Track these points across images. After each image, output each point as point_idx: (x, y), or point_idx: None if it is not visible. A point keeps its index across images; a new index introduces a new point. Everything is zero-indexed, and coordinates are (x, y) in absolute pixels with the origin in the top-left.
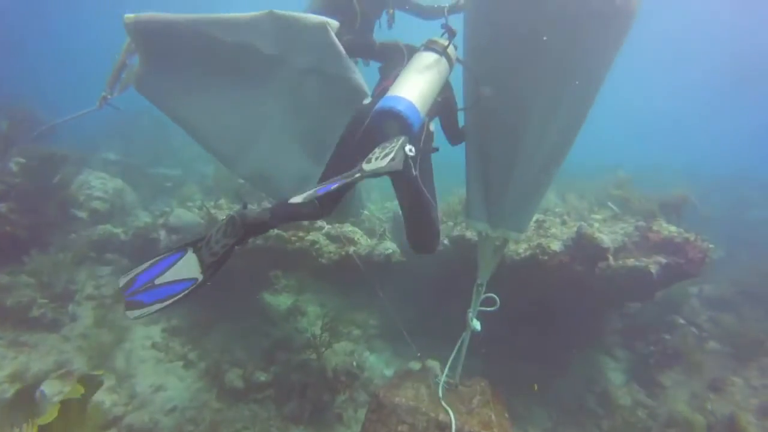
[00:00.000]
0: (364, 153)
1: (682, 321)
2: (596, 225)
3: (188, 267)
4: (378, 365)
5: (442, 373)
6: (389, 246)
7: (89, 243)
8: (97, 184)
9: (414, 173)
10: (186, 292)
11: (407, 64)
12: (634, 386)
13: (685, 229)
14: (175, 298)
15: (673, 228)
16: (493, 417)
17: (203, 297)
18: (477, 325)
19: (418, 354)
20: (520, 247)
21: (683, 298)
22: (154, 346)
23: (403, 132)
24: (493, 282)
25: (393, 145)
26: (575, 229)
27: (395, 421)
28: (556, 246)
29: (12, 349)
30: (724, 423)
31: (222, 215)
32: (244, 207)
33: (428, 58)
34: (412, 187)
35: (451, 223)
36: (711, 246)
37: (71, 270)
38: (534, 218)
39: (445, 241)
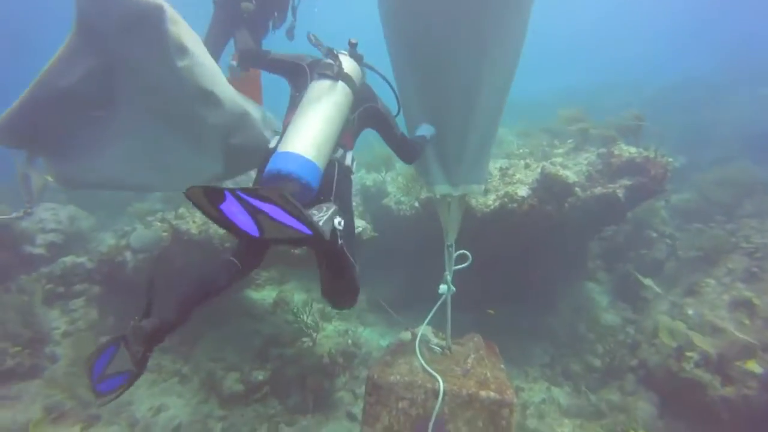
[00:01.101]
0: None
1: (654, 234)
2: (559, 160)
3: (123, 359)
4: (373, 339)
5: (435, 337)
6: (359, 224)
7: (54, 278)
8: (48, 216)
9: (339, 244)
10: (126, 384)
11: (301, 101)
12: (619, 305)
13: (644, 147)
14: (121, 390)
15: (632, 149)
16: (488, 374)
17: None
18: (444, 287)
19: (402, 321)
20: (488, 199)
21: (653, 213)
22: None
23: (302, 194)
24: (471, 238)
25: (321, 214)
26: (539, 170)
27: (394, 399)
28: (523, 192)
29: None
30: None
31: (185, 225)
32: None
33: (320, 89)
34: (336, 258)
35: (418, 187)
36: (670, 159)
37: (39, 311)
38: (498, 166)
39: (416, 204)
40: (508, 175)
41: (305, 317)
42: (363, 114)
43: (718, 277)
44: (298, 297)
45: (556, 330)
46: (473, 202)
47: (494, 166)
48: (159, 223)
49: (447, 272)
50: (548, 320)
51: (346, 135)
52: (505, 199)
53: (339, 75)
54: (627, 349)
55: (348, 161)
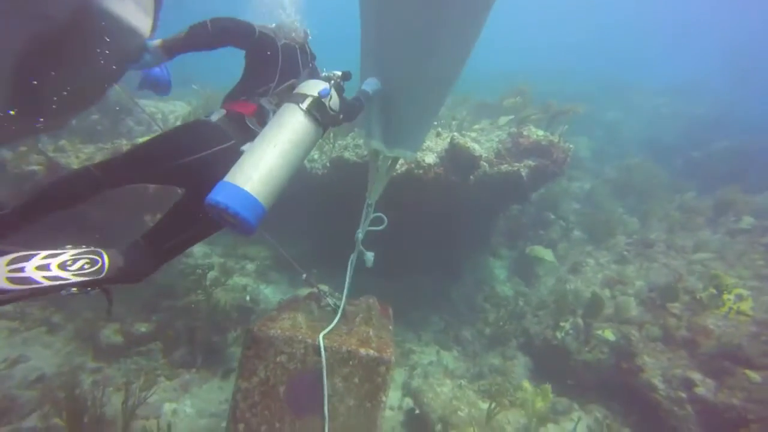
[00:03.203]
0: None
1: (553, 216)
2: (473, 134)
3: None
4: (274, 296)
5: (331, 297)
6: None
7: None
8: None
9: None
10: None
11: (268, 125)
12: (515, 279)
13: (551, 132)
14: None
15: (540, 132)
16: (371, 333)
17: None
18: (370, 259)
19: (304, 276)
20: None
21: (560, 196)
22: (3, 315)
23: (242, 231)
24: (378, 203)
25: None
26: (449, 140)
27: (273, 353)
28: (430, 159)
29: None
30: (578, 297)
31: (65, 158)
32: None
33: (297, 123)
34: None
35: (329, 146)
36: (571, 146)
37: None
38: None
39: (327, 164)
40: None
41: (201, 270)
42: None
43: (597, 258)
44: (198, 249)
45: (456, 300)
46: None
47: None
48: (35, 155)
49: (359, 230)
50: (451, 290)
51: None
52: (413, 165)
53: (326, 122)
54: (515, 319)
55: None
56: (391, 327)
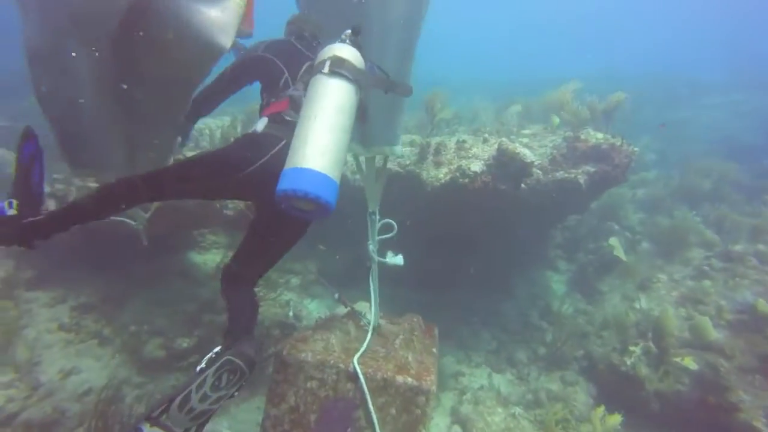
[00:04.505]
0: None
1: (617, 227)
2: (524, 140)
3: None
4: (318, 312)
5: (371, 314)
6: None
7: None
8: None
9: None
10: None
11: (305, 102)
12: (575, 295)
13: (612, 135)
14: None
15: (600, 135)
16: (410, 357)
17: (115, 267)
18: (396, 259)
19: (336, 295)
20: (440, 173)
21: (620, 204)
22: (61, 327)
23: (320, 213)
24: (423, 213)
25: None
26: (496, 146)
27: (303, 379)
28: (476, 167)
29: None
30: (649, 319)
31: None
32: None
33: (332, 89)
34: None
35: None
36: (636, 149)
37: None
38: (455, 140)
39: None
40: (464, 149)
41: None
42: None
43: (671, 273)
44: None
45: (509, 316)
46: (423, 175)
47: (453, 140)
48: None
49: (370, 242)
50: (503, 306)
51: None
52: (457, 174)
53: (355, 76)
54: (575, 340)
55: None
56: (435, 350)
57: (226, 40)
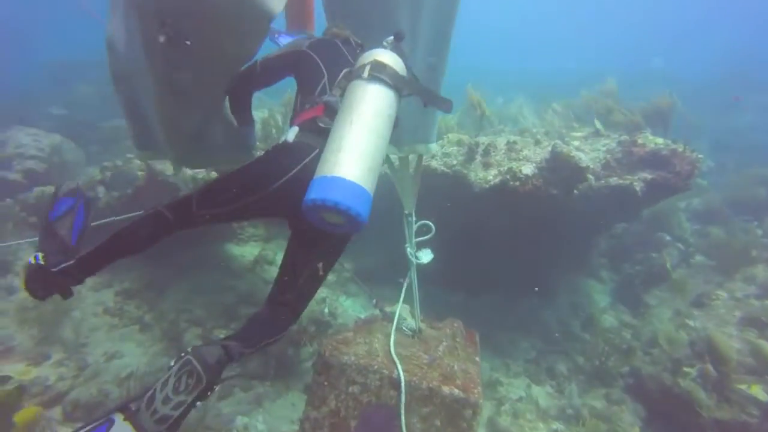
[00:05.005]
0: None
1: (668, 238)
2: (575, 143)
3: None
4: (354, 310)
5: (412, 317)
6: None
7: (28, 206)
8: (29, 142)
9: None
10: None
11: (342, 108)
12: (620, 308)
13: (673, 140)
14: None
15: (659, 140)
16: (456, 367)
17: (158, 255)
18: (425, 256)
19: (374, 301)
20: (489, 174)
21: (671, 213)
22: (106, 311)
23: (351, 227)
24: (468, 215)
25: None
26: (549, 149)
27: (345, 382)
28: (527, 170)
29: None
30: (704, 339)
31: (160, 164)
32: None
33: (370, 94)
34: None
35: None
36: (700, 156)
37: (8, 238)
38: (505, 140)
39: None
40: (515, 150)
41: None
42: None
43: (731, 290)
44: (281, 257)
45: (550, 325)
46: (471, 176)
47: (502, 140)
48: (138, 162)
49: (408, 245)
50: (543, 314)
51: None
52: (507, 176)
53: (396, 83)
54: (620, 355)
55: None
56: (477, 358)
57: (278, 3)
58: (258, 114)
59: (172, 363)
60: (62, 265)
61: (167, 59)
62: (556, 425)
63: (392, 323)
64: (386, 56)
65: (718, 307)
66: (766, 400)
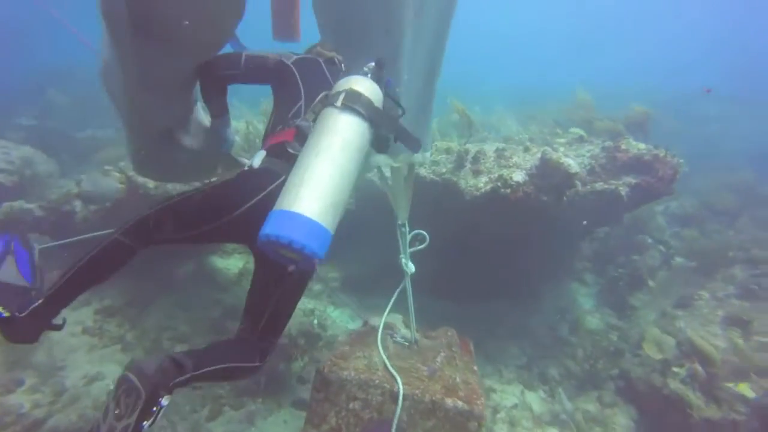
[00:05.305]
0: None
1: (649, 240)
2: (561, 149)
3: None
4: (343, 321)
5: (406, 327)
6: None
7: None
8: None
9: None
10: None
11: (309, 139)
12: (605, 310)
13: (654, 145)
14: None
15: (641, 145)
16: (458, 378)
17: (139, 268)
18: (410, 267)
19: (364, 322)
20: (479, 182)
21: (650, 216)
22: (85, 331)
23: (305, 264)
24: (459, 223)
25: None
26: (539, 155)
27: (345, 398)
28: (518, 177)
29: None
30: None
31: (149, 182)
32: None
33: (341, 124)
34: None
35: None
36: (681, 161)
37: None
38: (494, 147)
39: None
40: (504, 158)
41: None
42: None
43: (713, 290)
44: None
45: (537, 330)
46: (461, 183)
47: (490, 147)
48: (117, 174)
49: (402, 255)
50: (531, 319)
51: None
52: (498, 183)
53: (370, 114)
54: (609, 357)
55: None
56: (475, 368)
57: None
58: (237, 125)
59: (112, 387)
60: (31, 307)
61: (139, 50)
62: (552, 431)
63: (387, 336)
64: (363, 85)
65: (702, 307)
66: (753, 397)
